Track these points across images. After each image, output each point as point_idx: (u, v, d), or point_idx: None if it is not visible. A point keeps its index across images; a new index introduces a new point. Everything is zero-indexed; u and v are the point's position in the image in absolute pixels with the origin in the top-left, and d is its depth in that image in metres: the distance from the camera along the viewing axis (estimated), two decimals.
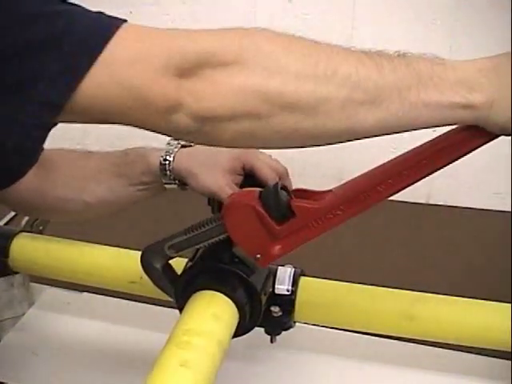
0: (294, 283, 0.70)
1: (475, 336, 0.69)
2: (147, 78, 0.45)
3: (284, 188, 0.60)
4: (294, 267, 0.72)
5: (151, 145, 0.71)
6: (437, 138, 0.53)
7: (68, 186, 0.71)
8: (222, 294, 0.62)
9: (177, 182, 0.71)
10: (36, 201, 0.71)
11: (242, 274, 0.63)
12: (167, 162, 0.70)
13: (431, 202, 1.26)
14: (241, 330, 0.64)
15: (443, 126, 0.49)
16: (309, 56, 0.46)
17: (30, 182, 0.65)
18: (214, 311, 0.60)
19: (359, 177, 0.57)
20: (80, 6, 0.47)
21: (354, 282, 0.74)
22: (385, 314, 0.71)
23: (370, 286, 0.73)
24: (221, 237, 0.62)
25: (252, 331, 0.67)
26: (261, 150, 0.71)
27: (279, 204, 0.58)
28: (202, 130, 0.47)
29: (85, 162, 0.73)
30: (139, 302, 0.89)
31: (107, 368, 0.80)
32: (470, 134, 0.50)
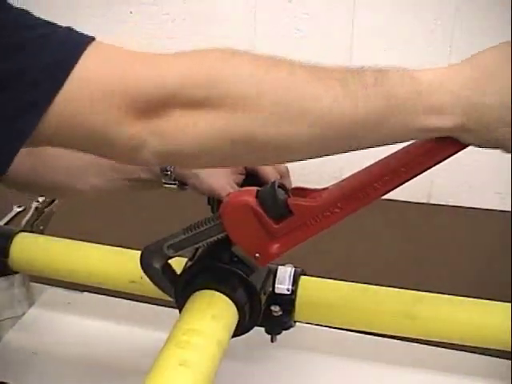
0: (295, 283, 0.70)
1: (476, 335, 0.69)
2: (108, 116, 0.43)
3: (282, 186, 0.60)
4: (295, 266, 0.72)
5: None
6: None
7: (62, 174, 0.72)
8: (221, 294, 0.62)
9: (177, 182, 0.71)
10: (32, 181, 0.71)
11: (241, 274, 0.63)
12: None
13: (432, 201, 1.26)
14: (241, 330, 0.64)
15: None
16: (282, 94, 0.44)
17: (25, 164, 0.65)
18: (213, 311, 0.60)
19: (356, 174, 0.57)
20: (52, 26, 0.44)
21: (354, 282, 0.74)
22: (386, 313, 0.71)
23: (370, 286, 0.73)
24: (219, 236, 0.62)
25: (252, 331, 0.67)
26: None
27: (277, 203, 0.58)
28: (168, 162, 0.47)
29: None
30: (139, 301, 0.89)
31: (107, 368, 0.80)
32: None
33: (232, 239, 0.61)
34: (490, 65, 0.46)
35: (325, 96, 0.45)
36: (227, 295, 0.62)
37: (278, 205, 0.58)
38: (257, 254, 0.60)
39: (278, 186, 0.59)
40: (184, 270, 0.65)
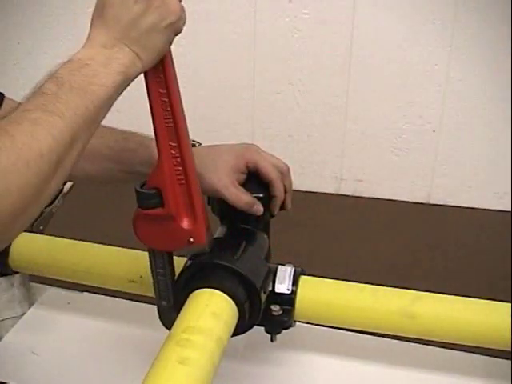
0: (295, 282, 0.70)
1: (475, 335, 0.69)
2: None
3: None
4: (295, 266, 0.72)
5: None
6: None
7: None
8: (221, 292, 0.62)
9: None
10: None
11: (241, 272, 0.63)
12: None
13: (431, 201, 1.26)
14: (240, 329, 0.64)
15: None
16: None
17: None
18: (213, 309, 0.60)
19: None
20: None
21: (354, 282, 0.74)
22: (385, 312, 0.71)
23: (370, 286, 0.73)
24: (168, 259, 0.64)
25: (252, 330, 0.67)
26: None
27: (142, 194, 0.60)
28: None
29: None
30: (139, 301, 0.89)
31: (107, 367, 0.80)
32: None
33: (163, 249, 0.63)
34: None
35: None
36: (227, 294, 0.62)
37: (146, 194, 0.60)
38: (190, 239, 0.61)
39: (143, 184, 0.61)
40: (183, 269, 0.65)
